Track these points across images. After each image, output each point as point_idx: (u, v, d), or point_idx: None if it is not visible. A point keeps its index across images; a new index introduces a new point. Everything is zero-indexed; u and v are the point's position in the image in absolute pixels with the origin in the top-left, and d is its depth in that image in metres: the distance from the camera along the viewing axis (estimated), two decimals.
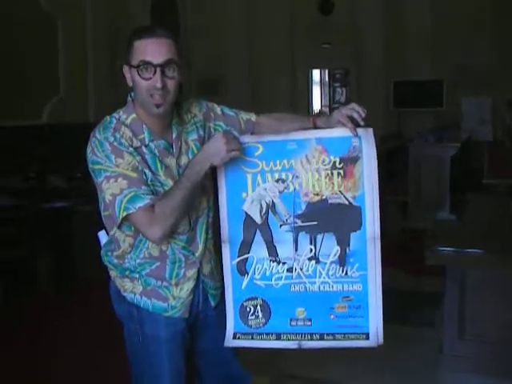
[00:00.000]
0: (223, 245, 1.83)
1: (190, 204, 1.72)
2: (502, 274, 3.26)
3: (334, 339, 1.79)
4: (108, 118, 1.75)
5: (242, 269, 1.83)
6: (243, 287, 1.83)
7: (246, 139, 1.82)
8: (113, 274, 1.84)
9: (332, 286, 1.79)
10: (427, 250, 3.50)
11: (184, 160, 1.78)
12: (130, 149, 1.68)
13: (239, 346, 1.85)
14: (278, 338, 1.82)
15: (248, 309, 1.83)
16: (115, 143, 1.67)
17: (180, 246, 1.78)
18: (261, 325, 1.83)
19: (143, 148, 1.72)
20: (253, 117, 1.95)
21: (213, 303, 1.89)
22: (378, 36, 8.20)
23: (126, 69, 1.72)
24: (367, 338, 1.77)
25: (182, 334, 1.83)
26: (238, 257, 1.83)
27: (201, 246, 1.82)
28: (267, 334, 1.83)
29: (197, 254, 1.81)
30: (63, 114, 6.48)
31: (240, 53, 8.60)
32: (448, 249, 3.42)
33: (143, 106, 1.72)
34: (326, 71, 10.26)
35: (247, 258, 1.82)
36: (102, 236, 1.87)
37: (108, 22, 7.10)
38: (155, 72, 1.65)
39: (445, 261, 3.39)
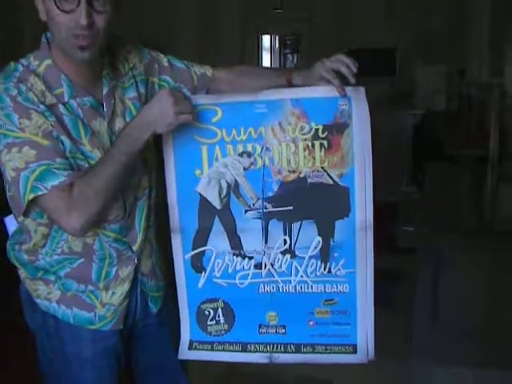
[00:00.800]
0: (173, 235, 1.44)
1: (123, 183, 1.31)
2: (476, 257, 3.06)
3: (314, 351, 1.44)
4: (12, 64, 1.29)
5: (197, 264, 1.45)
6: (200, 286, 1.46)
7: (201, 100, 1.40)
8: (22, 274, 1.42)
9: (311, 287, 1.43)
10: (397, 230, 3.26)
11: (119, 124, 1.36)
12: (41, 107, 1.24)
13: (196, 359, 1.48)
14: (244, 348, 1.46)
15: (206, 312, 1.46)
16: (19, 98, 1.23)
17: (111, 238, 1.37)
18: (223, 332, 1.47)
19: (60, 107, 1.28)
20: (209, 70, 1.54)
21: (154, 309, 1.51)
22: (330, 2, 7.87)
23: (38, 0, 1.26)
24: (354, 351, 1.43)
25: (113, 349, 1.44)
26: (193, 250, 1.44)
27: (139, 237, 1.42)
28: (231, 343, 1.46)
29: (134, 248, 1.42)
30: None
31: (187, 18, 8.08)
32: (414, 229, 3.20)
33: (63, 50, 1.27)
34: (277, 37, 9.83)
35: (204, 252, 1.44)
36: (10, 223, 1.44)
37: None
38: (79, 3, 1.20)
39: (416, 242, 3.17)
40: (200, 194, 1.42)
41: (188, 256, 1.44)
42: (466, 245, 3.06)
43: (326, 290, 1.43)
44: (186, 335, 1.48)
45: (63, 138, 1.26)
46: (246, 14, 8.38)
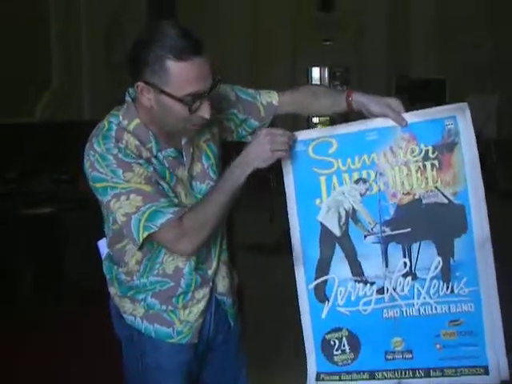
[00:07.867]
0: (296, 265, 1.49)
1: (223, 218, 1.47)
2: None
3: (444, 375, 1.44)
4: (105, 123, 1.43)
5: (320, 294, 1.48)
6: (324, 316, 1.49)
7: (315, 133, 1.48)
8: (113, 291, 1.59)
9: (435, 308, 1.44)
10: None
11: (197, 169, 1.52)
12: (140, 160, 1.40)
13: None
14: (372, 376, 1.47)
15: (332, 342, 1.49)
16: (120, 155, 1.38)
17: (195, 264, 1.52)
18: (349, 361, 1.48)
19: (153, 159, 1.44)
20: (275, 99, 1.63)
21: (232, 323, 1.65)
22: (380, 33, 7.99)
23: (147, 89, 1.36)
24: (486, 372, 1.42)
25: (188, 364, 1.58)
26: (316, 279, 1.48)
27: (214, 263, 1.57)
28: (358, 372, 1.48)
29: (210, 272, 1.56)
30: (56, 111, 6.17)
31: (240, 50, 8.30)
32: None
33: (162, 125, 1.42)
34: (326, 69, 10.05)
35: (327, 281, 1.48)
36: (103, 246, 1.61)
37: (104, 14, 6.81)
38: (202, 100, 1.36)
39: None
40: (321, 223, 1.47)
41: (311, 286, 1.48)
42: None
43: (451, 311, 1.43)
44: (312, 367, 1.50)
45: (161, 182, 1.42)
46: (297, 45, 8.55)
